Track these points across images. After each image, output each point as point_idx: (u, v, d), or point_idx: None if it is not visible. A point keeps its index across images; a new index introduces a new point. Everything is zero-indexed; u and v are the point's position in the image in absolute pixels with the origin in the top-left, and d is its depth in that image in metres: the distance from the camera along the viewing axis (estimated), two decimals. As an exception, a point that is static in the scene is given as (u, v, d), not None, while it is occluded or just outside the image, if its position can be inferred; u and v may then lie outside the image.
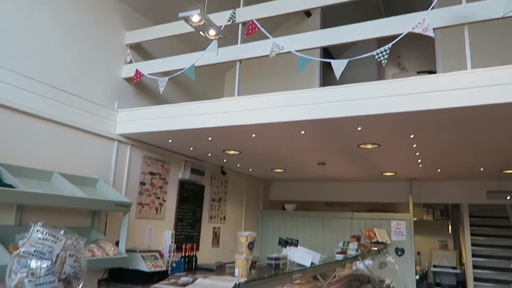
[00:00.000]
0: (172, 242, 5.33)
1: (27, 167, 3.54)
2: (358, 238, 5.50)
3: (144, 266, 4.24)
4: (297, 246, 3.14)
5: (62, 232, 1.52)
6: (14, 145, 3.53)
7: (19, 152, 3.56)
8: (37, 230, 1.47)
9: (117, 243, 4.22)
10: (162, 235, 5.36)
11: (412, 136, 3.98)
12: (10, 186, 3.07)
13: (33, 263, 1.43)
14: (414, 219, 7.04)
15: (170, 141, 4.90)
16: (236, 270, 2.34)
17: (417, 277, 6.80)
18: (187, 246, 5.83)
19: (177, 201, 5.74)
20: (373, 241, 6.45)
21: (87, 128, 4.24)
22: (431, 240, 9.41)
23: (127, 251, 4.24)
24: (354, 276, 6.12)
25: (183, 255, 5.47)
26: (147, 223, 5.15)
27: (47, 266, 1.44)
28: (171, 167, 5.61)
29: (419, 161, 5.30)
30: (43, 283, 1.41)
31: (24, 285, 1.41)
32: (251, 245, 2.34)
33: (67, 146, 4.03)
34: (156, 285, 1.81)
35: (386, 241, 6.68)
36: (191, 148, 5.35)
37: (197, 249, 6.26)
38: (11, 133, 3.50)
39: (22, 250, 1.44)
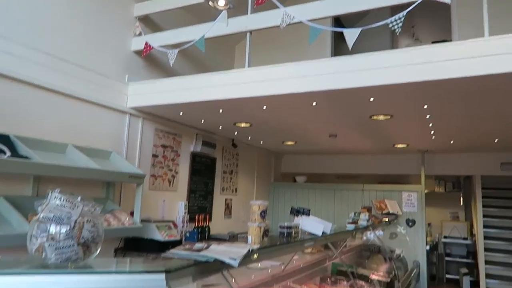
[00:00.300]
0: (185, 212, 5.44)
1: (42, 140, 3.61)
2: (369, 209, 5.53)
3: (159, 235, 4.35)
4: (308, 215, 3.18)
5: (79, 199, 1.55)
6: (28, 118, 3.58)
7: (33, 125, 3.61)
8: (55, 197, 1.51)
9: (131, 214, 4.32)
10: (175, 206, 5.47)
11: (425, 106, 3.92)
12: (26, 157, 3.14)
13: (52, 228, 1.48)
14: (426, 191, 7.04)
15: (181, 113, 4.92)
16: (249, 238, 2.39)
17: (428, 247, 6.86)
18: (200, 217, 5.94)
19: (189, 173, 5.82)
20: (384, 212, 6.49)
21: (99, 101, 4.26)
22: (442, 212, 9.43)
23: (142, 221, 4.35)
24: (365, 246, 6.20)
25: (196, 225, 5.59)
26: (160, 194, 5.24)
27: (66, 231, 1.48)
28: (182, 140, 5.65)
29: (432, 132, 5.24)
30: (62, 247, 1.46)
31: (44, 249, 1.46)
32: (263, 214, 2.38)
33: (79, 119, 4.08)
34: (171, 250, 1.86)
35: (397, 212, 6.71)
36: (202, 121, 5.36)
37: (210, 220, 6.38)
38: (24, 107, 3.55)
39: (42, 215, 1.49)
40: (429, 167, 7.08)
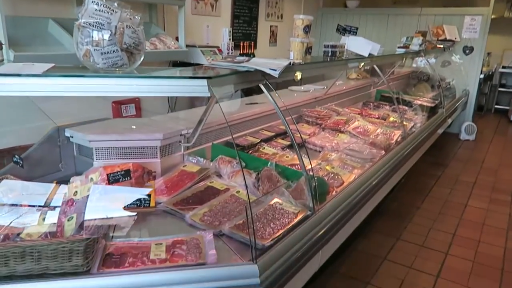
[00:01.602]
0: (229, 39, 5.38)
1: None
2: (423, 34, 5.13)
3: (204, 60, 4.43)
4: (356, 34, 3.01)
5: (116, 4, 1.52)
6: None
7: None
8: (92, 1, 1.48)
9: (176, 39, 4.34)
10: (219, 32, 5.38)
11: None
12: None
13: (95, 34, 1.51)
14: (492, 16, 6.30)
15: None
16: (291, 53, 2.34)
17: (482, 76, 6.54)
18: (245, 44, 5.88)
19: (232, -3, 5.52)
20: (440, 38, 6.03)
21: None
22: (507, 40, 8.61)
23: (187, 46, 4.38)
24: (413, 74, 6.03)
25: (241, 52, 5.58)
26: (203, 19, 5.12)
27: (108, 37, 1.50)
28: (223, -42, 5.17)
29: None
30: (107, 52, 1.51)
31: (91, 53, 1.52)
32: (307, 29, 2.26)
33: None
34: (213, 61, 1.88)
35: (455, 38, 6.22)
36: None
37: (255, 47, 6.32)
38: None
39: (83, 21, 1.49)
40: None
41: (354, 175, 2.50)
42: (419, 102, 4.62)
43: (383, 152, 2.96)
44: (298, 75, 2.66)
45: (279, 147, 2.83)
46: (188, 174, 2.25)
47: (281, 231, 1.75)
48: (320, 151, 2.95)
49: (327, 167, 2.54)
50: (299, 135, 3.19)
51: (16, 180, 1.87)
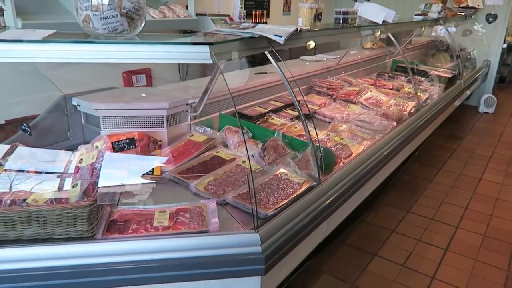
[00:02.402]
0: (241, 7, 5.25)
1: None
2: (443, 1, 4.91)
3: (214, 28, 4.34)
4: (369, 0, 2.89)
5: (114, -34, 1.47)
6: None
7: None
8: (90, -36, 1.44)
9: (186, 7, 4.25)
10: (231, 0, 5.25)
11: None
12: None
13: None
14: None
15: None
16: (300, 20, 2.26)
17: (505, 46, 6.25)
18: (257, 13, 5.74)
19: (244, -37, 5.34)
20: (462, 5, 5.76)
21: None
22: (534, 8, 8.17)
23: (197, 14, 4.29)
24: (432, 44, 5.81)
25: (253, 21, 5.46)
26: (214, -13, 4.99)
27: (108, 1, 1.47)
28: None
29: None
30: (107, 17, 1.47)
31: (90, 19, 1.48)
32: (316, -6, 2.17)
33: None
34: (217, 28, 1.83)
35: (478, 5, 5.93)
36: None
37: (268, 16, 6.17)
38: None
39: (80, -16, 1.45)
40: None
41: (363, 146, 2.45)
42: (436, 73, 4.47)
43: (395, 123, 2.89)
44: (311, 43, 2.59)
45: (288, 118, 2.79)
46: (195, 144, 2.25)
47: (285, 201, 1.74)
48: (330, 122, 2.90)
49: (336, 138, 2.50)
50: (307, 106, 3.14)
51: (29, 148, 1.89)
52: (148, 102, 2.17)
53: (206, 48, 1.57)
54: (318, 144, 2.02)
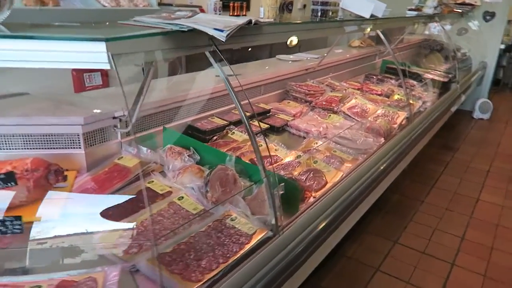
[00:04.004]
0: (216, -2, 4.69)
1: None
2: (440, -4, 4.42)
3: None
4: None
5: None
6: None
7: None
8: None
9: (149, -5, 3.69)
10: (204, -11, 4.69)
11: None
12: None
13: None
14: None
15: None
16: (261, 9, 1.75)
17: (502, 46, 5.82)
18: (235, 5, 5.20)
19: None
20: (458, 1, 5.29)
21: None
22: (531, 7, 7.76)
23: (160, 4, 3.74)
24: (425, 43, 5.34)
25: (230, 14, 4.92)
26: (184, -26, 4.43)
27: None
28: None
29: None
30: None
31: None
32: (282, -23, 1.65)
33: None
34: (136, 17, 1.30)
35: (475, 2, 5.46)
36: None
37: (248, 9, 5.63)
38: None
39: None
40: None
41: (341, 172, 1.95)
42: (430, 76, 3.99)
43: (382, 140, 2.40)
44: (293, 39, 2.08)
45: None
46: (121, 171, 1.72)
47: (222, 266, 1.23)
48: (304, 137, 2.40)
49: (308, 161, 1.99)
50: (281, 116, 2.63)
51: None
52: (55, 116, 1.64)
53: (101, 46, 1.04)
54: (274, 175, 1.51)
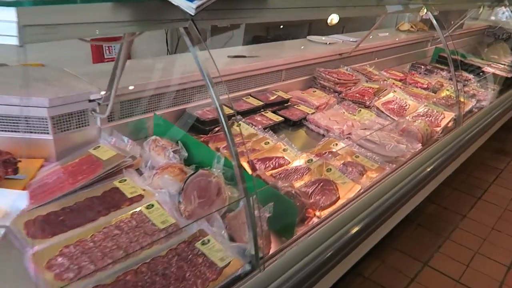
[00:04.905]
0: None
1: None
2: (513, -26, 3.75)
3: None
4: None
5: None
6: None
7: None
8: None
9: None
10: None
11: None
12: None
13: None
14: None
15: None
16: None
17: None
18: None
19: None
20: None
21: None
22: None
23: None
24: (489, 30, 4.66)
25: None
26: None
27: None
28: None
29: None
30: None
31: None
32: None
33: None
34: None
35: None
36: None
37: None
38: None
39: None
40: None
41: (359, 186, 1.58)
42: (490, 70, 3.42)
43: (418, 146, 1.98)
44: (333, 18, 1.70)
45: (261, 126, 1.94)
46: (92, 164, 1.47)
47: (170, 314, 0.95)
48: (324, 135, 2.04)
49: (320, 168, 1.64)
50: (301, 108, 2.28)
51: None
52: (18, 96, 1.40)
53: (9, 13, 0.76)
54: (268, 188, 1.18)
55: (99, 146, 1.56)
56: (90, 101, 1.51)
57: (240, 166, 1.10)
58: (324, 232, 1.34)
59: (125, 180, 1.42)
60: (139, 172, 1.48)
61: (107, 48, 3.51)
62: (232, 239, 1.19)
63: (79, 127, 1.55)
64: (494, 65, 3.62)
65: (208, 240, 1.16)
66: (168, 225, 1.22)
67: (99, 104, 1.54)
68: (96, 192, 1.34)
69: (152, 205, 1.29)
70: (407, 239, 2.52)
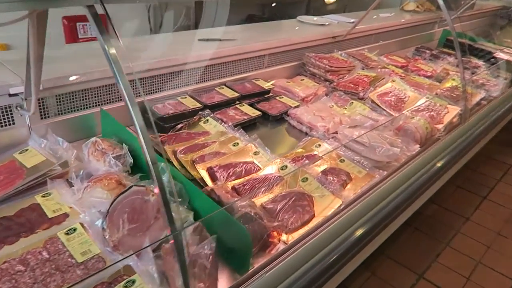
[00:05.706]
0: None
1: None
2: None
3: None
4: None
5: None
6: None
7: None
8: None
9: None
10: None
11: None
12: None
13: None
14: None
15: None
16: None
17: None
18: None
19: None
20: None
21: None
22: None
23: None
24: (503, 11, 4.28)
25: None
26: None
27: None
28: None
29: None
30: None
31: None
32: None
33: None
34: None
35: None
36: None
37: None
38: None
39: None
40: None
41: (340, 200, 1.31)
42: (503, 56, 3.08)
43: (416, 147, 1.70)
44: None
45: (232, 122, 1.67)
46: (13, 172, 1.21)
47: None
48: (307, 133, 1.76)
49: (291, 179, 1.36)
50: (284, 100, 1.99)
51: None
52: None
53: None
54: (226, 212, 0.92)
55: (27, 150, 1.30)
56: (10, 95, 1.24)
57: (163, 189, 0.83)
58: (291, 263, 1.08)
59: (50, 194, 1.16)
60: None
61: (81, 27, 3.21)
62: (166, 278, 0.94)
63: (2, 126, 1.29)
64: (507, 50, 3.28)
65: (133, 282, 0.91)
66: (89, 257, 0.97)
67: (26, 99, 1.27)
68: (9, 211, 1.09)
69: (74, 229, 1.04)
70: (402, 246, 2.26)
